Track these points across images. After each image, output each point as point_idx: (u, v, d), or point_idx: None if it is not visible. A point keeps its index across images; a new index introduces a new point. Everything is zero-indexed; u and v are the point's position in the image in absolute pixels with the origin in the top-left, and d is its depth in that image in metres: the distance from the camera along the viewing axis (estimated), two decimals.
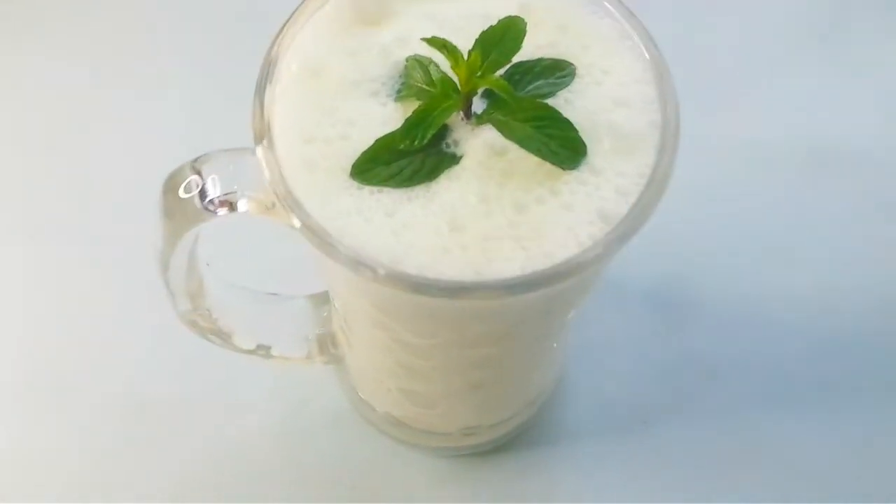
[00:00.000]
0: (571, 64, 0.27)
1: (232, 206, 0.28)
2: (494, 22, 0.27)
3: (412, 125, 0.25)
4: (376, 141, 0.26)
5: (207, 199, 0.28)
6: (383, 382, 0.36)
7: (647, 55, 0.27)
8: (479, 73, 0.25)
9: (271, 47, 0.28)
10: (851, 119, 0.48)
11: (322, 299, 0.38)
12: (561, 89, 0.27)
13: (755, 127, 0.48)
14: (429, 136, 0.25)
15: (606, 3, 0.28)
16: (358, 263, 0.24)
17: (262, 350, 0.37)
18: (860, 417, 0.42)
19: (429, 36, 0.26)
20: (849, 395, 0.42)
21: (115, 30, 0.50)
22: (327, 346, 0.38)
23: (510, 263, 0.24)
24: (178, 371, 0.42)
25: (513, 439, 0.41)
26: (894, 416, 0.42)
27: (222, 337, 0.36)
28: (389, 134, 0.26)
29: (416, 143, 0.25)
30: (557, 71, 0.27)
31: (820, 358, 0.43)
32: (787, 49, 0.50)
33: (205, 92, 0.47)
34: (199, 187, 0.28)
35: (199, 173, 0.28)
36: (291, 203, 0.25)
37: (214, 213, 0.28)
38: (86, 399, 0.41)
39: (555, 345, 0.35)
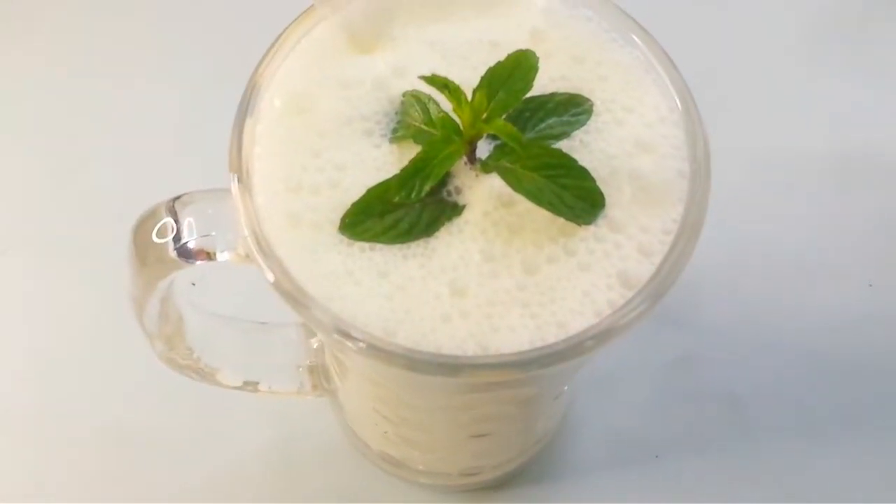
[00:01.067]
0: (588, 100, 0.24)
1: (209, 256, 0.25)
2: (502, 51, 0.24)
3: (409, 175, 0.22)
4: (368, 190, 0.23)
5: (182, 243, 0.25)
6: (378, 425, 0.33)
7: (673, 91, 0.24)
8: (484, 116, 0.22)
9: (251, 77, 0.25)
10: (879, 129, 0.46)
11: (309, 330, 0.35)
12: (576, 129, 0.24)
13: (780, 140, 0.45)
14: (427, 188, 0.22)
15: (629, 32, 0.25)
16: (345, 335, 0.21)
17: (250, 386, 0.35)
18: (881, 449, 0.39)
19: (429, 66, 0.23)
20: (870, 426, 0.40)
21: (108, 50, 0.48)
22: (320, 379, 0.36)
23: (518, 334, 0.22)
24: (168, 402, 0.40)
25: (516, 475, 0.39)
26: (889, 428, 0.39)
27: (203, 375, 0.33)
28: (383, 182, 0.23)
29: (413, 195, 0.22)
30: (573, 107, 0.24)
31: (840, 387, 0.41)
32: (813, 57, 0.48)
33: (199, 113, 0.45)
34: (174, 232, 0.25)
35: (174, 214, 0.25)
36: (267, 258, 0.22)
37: (188, 262, 0.25)
38: (72, 430, 0.40)
39: (546, 407, 0.32)
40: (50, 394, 0.41)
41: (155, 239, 0.25)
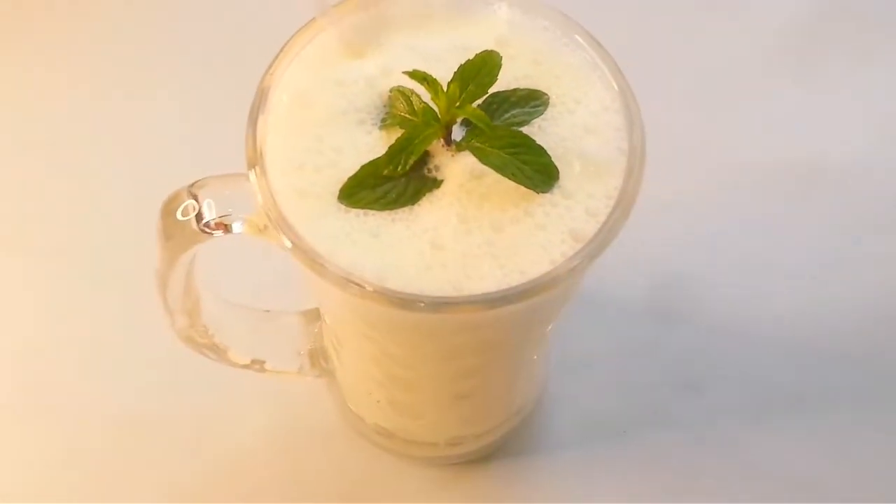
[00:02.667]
0: (545, 94, 0.29)
1: (227, 228, 0.30)
2: (472, 54, 0.28)
3: (396, 152, 0.27)
4: (362, 167, 0.27)
5: (203, 222, 0.30)
6: (372, 394, 0.37)
7: (615, 85, 0.29)
8: (457, 104, 0.27)
9: (263, 79, 0.30)
10: (829, 137, 0.50)
11: (313, 316, 0.39)
12: (535, 118, 0.29)
13: (737, 146, 0.50)
14: (411, 161, 0.27)
15: (578, 37, 0.30)
16: (346, 281, 0.26)
17: (257, 364, 0.39)
18: (833, 427, 0.43)
19: (411, 68, 0.28)
20: (823, 405, 0.44)
21: (117, 56, 0.52)
22: (318, 360, 0.40)
23: (488, 280, 0.26)
24: (172, 387, 0.43)
25: (498, 449, 0.43)
26: (868, 426, 0.43)
27: (218, 352, 0.37)
28: (374, 160, 0.27)
29: (399, 168, 0.27)
30: (532, 100, 0.29)
31: (796, 370, 0.45)
32: (767, 71, 0.52)
33: (203, 117, 0.49)
34: (196, 210, 0.30)
35: (195, 197, 0.30)
36: (283, 226, 0.27)
37: (211, 234, 0.30)
38: (79, 415, 0.43)
39: (535, 357, 0.36)
40: (55, 382, 0.44)
41: (179, 217, 0.30)
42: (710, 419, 0.44)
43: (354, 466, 0.42)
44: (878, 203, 0.48)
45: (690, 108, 0.50)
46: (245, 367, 0.39)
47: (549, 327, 0.34)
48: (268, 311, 0.39)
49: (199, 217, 0.30)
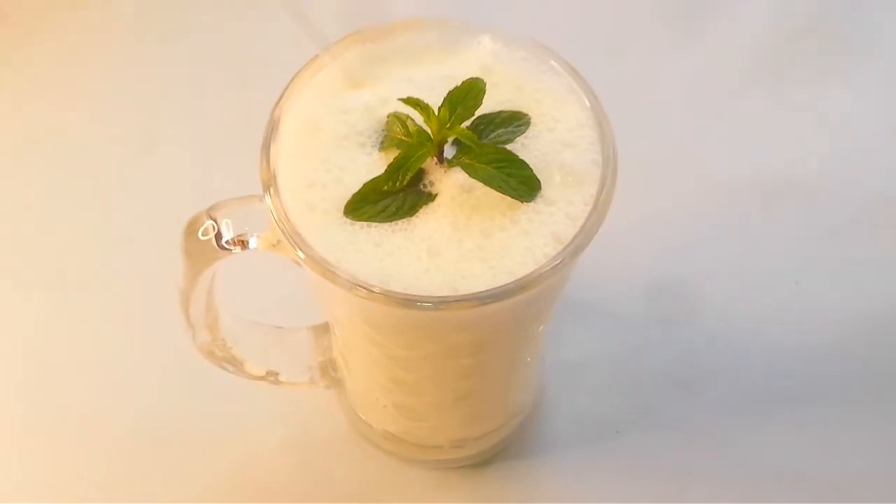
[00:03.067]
0: (527, 115, 0.33)
1: (244, 244, 0.33)
2: (460, 82, 0.32)
3: (394, 169, 0.30)
4: (364, 184, 0.31)
5: (223, 240, 0.33)
6: (379, 400, 0.40)
7: (588, 105, 0.33)
8: (448, 125, 0.30)
9: (274, 110, 0.33)
10: (795, 152, 0.53)
11: (322, 330, 0.42)
12: (518, 136, 0.32)
13: (711, 161, 0.53)
14: (408, 178, 0.30)
15: (554, 64, 0.33)
16: (354, 285, 0.29)
17: (271, 376, 0.42)
18: (820, 424, 0.46)
19: (405, 96, 0.31)
20: (807, 403, 0.47)
21: (136, 93, 0.55)
22: (328, 371, 0.43)
23: (480, 280, 0.29)
24: (187, 399, 0.46)
25: (499, 452, 0.45)
26: (855, 422, 0.46)
27: (235, 365, 0.40)
28: (375, 178, 0.31)
29: (397, 184, 0.30)
30: (515, 121, 0.32)
31: (774, 370, 0.47)
32: (737, 91, 0.55)
33: (217, 147, 0.52)
34: (216, 230, 0.33)
35: (214, 219, 0.33)
36: (296, 239, 0.30)
37: (230, 251, 0.33)
38: (98, 425, 0.45)
39: (528, 359, 0.39)
40: (73, 393, 0.46)
41: (201, 237, 0.33)
42: (704, 419, 0.46)
43: (363, 472, 0.45)
44: (844, 208, 0.51)
45: (669, 125, 0.53)
46: (260, 378, 0.42)
47: (541, 328, 0.37)
48: (279, 327, 0.43)
49: (218, 236, 0.33)
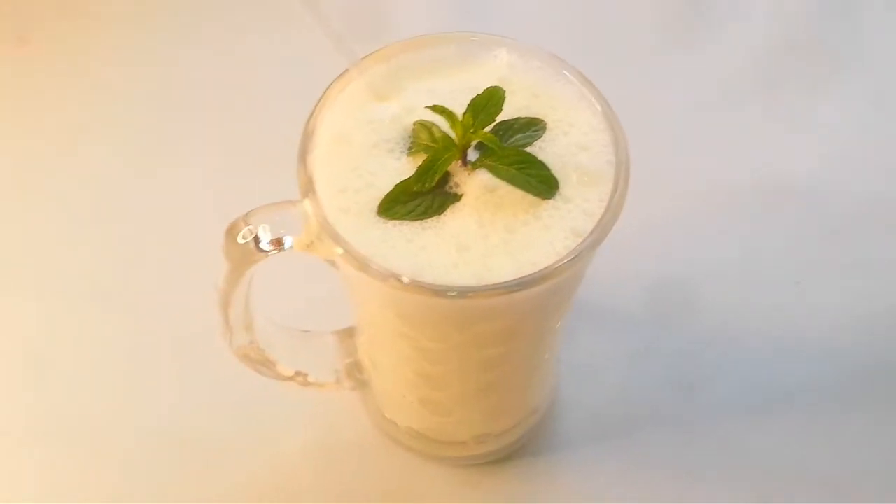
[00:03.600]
0: (543, 121, 0.35)
1: (280, 246, 0.35)
2: (480, 92, 0.34)
3: (422, 172, 0.33)
4: (395, 186, 0.33)
5: (260, 244, 0.36)
6: (405, 396, 0.42)
7: (600, 109, 0.35)
8: (472, 130, 0.33)
9: (307, 123, 0.35)
10: (792, 159, 0.56)
11: (346, 334, 0.44)
12: (536, 140, 0.35)
13: (712, 168, 0.55)
14: (436, 179, 0.33)
15: (567, 73, 0.36)
16: (388, 276, 0.31)
17: (300, 377, 0.44)
18: (826, 423, 0.48)
19: (430, 105, 0.34)
20: (813, 401, 0.49)
21: (168, 111, 0.58)
22: (353, 373, 0.45)
23: (505, 271, 0.32)
24: (214, 403, 0.48)
25: (517, 449, 0.47)
26: (860, 421, 0.48)
27: (268, 366, 0.42)
28: (405, 180, 0.33)
29: (426, 185, 0.33)
30: (532, 126, 0.35)
31: (778, 370, 0.49)
32: (735, 103, 0.58)
33: (250, 159, 0.55)
34: (253, 234, 0.35)
35: (251, 224, 0.36)
36: (336, 238, 0.32)
37: (267, 253, 0.35)
38: (117, 432, 0.47)
39: (547, 354, 0.41)
40: (97, 396, 0.47)
41: (240, 241, 0.36)
42: (708, 415, 0.48)
43: (386, 472, 0.47)
44: (844, 210, 0.54)
45: (673, 134, 0.56)
46: (290, 379, 0.44)
47: (559, 324, 0.39)
48: (307, 331, 0.45)
49: (256, 240, 0.36)
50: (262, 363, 0.42)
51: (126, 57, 0.60)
